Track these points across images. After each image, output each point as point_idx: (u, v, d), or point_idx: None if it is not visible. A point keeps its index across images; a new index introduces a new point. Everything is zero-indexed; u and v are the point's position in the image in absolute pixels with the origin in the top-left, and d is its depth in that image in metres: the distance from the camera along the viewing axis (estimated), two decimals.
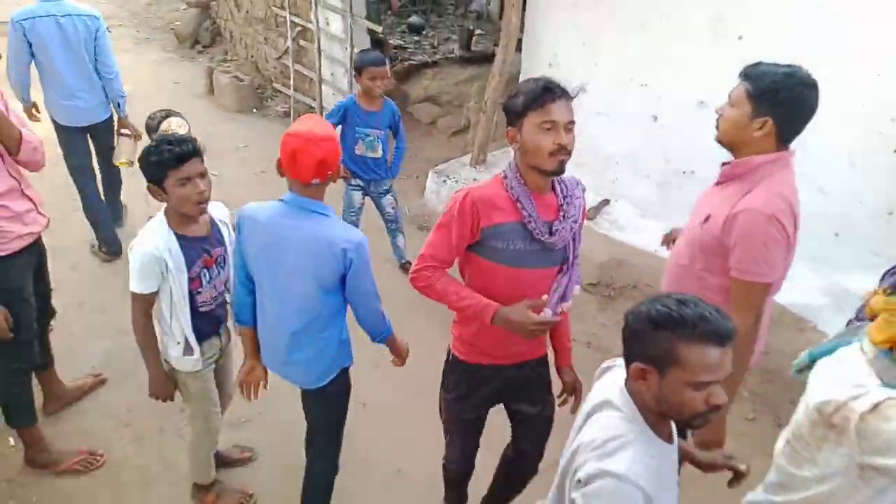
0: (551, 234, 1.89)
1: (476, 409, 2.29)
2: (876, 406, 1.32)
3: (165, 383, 2.44)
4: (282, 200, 2.12)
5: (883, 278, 1.51)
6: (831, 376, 1.49)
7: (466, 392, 2.22)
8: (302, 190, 2.07)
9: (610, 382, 1.51)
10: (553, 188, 1.94)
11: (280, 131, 7.06)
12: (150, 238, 2.21)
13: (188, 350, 2.37)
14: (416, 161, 6.04)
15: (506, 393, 2.25)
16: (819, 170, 3.43)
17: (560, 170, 1.84)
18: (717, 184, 2.09)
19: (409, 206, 5.34)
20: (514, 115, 1.85)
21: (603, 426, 1.40)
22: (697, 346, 1.26)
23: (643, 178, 4.50)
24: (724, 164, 2.11)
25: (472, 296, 1.93)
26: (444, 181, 5.19)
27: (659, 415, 1.37)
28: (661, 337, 1.29)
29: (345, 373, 2.35)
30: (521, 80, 5.20)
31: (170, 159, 2.11)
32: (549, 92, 1.78)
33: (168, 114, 2.91)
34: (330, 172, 2.05)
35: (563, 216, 1.92)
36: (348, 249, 2.02)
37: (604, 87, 4.53)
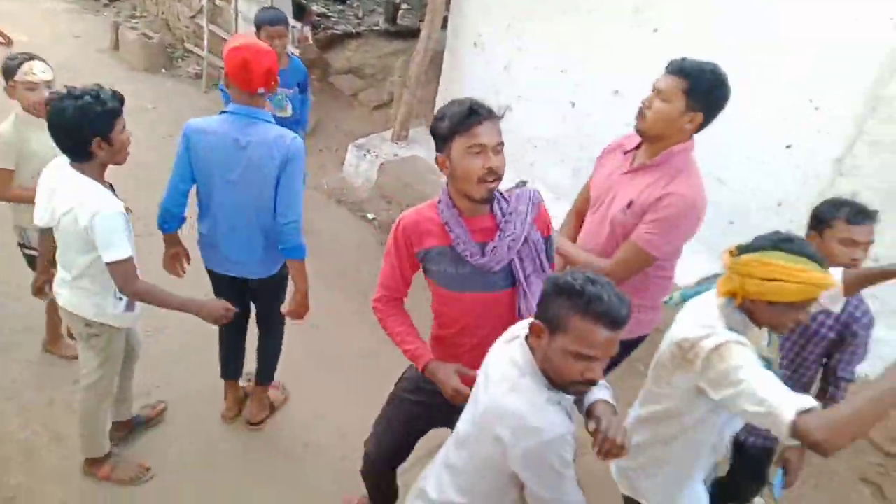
0: (483, 255, 1.84)
1: (425, 408, 2.15)
2: (717, 347, 1.58)
3: (210, 304, 2.33)
4: (227, 112, 2.30)
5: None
6: (692, 317, 1.75)
7: (421, 384, 2.10)
8: (248, 100, 2.29)
9: (512, 336, 1.63)
10: (491, 208, 1.87)
11: (191, 93, 6.75)
12: (105, 199, 2.11)
13: (130, 306, 2.34)
14: (335, 133, 5.91)
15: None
16: (719, 162, 3.64)
17: (489, 197, 1.80)
18: (632, 171, 2.19)
19: (327, 180, 5.24)
20: (440, 141, 1.78)
21: (512, 395, 1.48)
22: (586, 321, 1.38)
23: (559, 163, 4.61)
24: (630, 150, 2.21)
25: (413, 341, 1.98)
26: (365, 155, 5.12)
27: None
28: (558, 303, 1.42)
29: (285, 263, 2.62)
30: (445, 57, 5.22)
31: (118, 107, 2.07)
32: (474, 114, 1.71)
33: (31, 57, 2.66)
34: (273, 82, 2.30)
35: (500, 236, 1.85)
36: (290, 145, 2.31)
37: (526, 70, 4.60)
